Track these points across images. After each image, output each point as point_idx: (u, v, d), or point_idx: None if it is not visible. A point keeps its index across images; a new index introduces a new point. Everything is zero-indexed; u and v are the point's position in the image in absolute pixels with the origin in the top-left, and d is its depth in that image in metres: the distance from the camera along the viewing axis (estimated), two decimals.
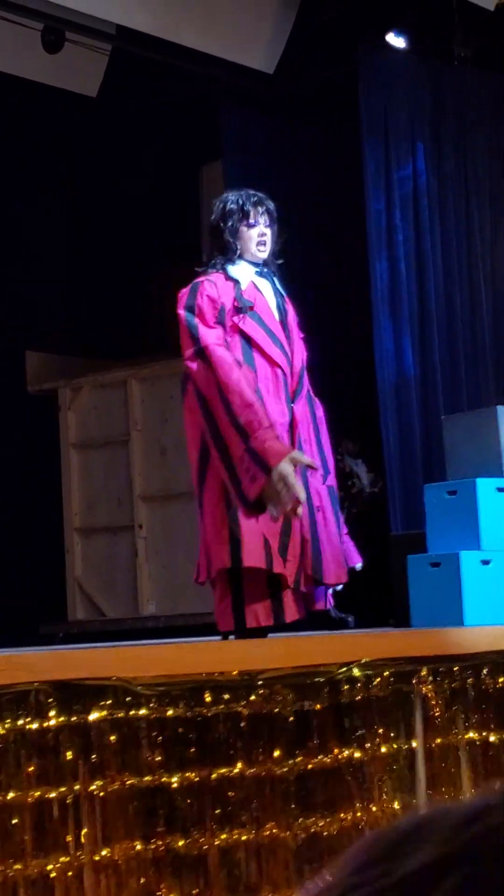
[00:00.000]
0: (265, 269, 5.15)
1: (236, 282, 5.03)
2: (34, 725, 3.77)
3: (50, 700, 3.79)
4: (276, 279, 5.19)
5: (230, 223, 5.05)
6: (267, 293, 5.11)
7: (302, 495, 4.67)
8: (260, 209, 5.08)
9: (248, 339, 4.97)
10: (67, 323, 9.97)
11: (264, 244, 5.09)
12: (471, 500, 5.82)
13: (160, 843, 3.91)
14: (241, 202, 5.06)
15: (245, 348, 4.98)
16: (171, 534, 9.27)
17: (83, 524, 9.67)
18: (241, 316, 4.97)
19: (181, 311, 4.97)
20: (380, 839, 0.87)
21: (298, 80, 8.86)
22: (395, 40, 8.30)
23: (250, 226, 5.06)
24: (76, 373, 9.80)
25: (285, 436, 4.96)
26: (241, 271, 5.08)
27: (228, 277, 5.04)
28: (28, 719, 3.76)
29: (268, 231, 5.10)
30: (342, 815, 4.23)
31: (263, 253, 5.10)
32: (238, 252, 5.07)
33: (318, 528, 5.01)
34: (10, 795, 3.70)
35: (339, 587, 5.16)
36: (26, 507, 9.63)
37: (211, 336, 4.89)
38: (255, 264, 5.11)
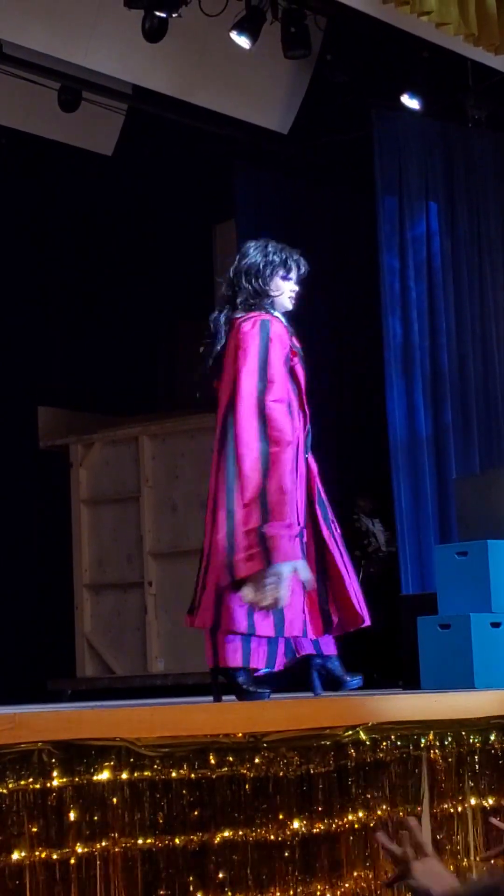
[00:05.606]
0: None
1: (287, 325, 5.13)
2: (37, 785, 3.73)
3: (53, 760, 3.75)
4: None
5: (269, 271, 5.14)
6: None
7: (283, 603, 4.74)
8: (300, 269, 5.19)
9: (298, 383, 5.02)
10: (79, 379, 9.98)
11: (293, 299, 5.20)
12: (482, 562, 5.79)
13: None
14: (284, 256, 5.16)
15: (296, 393, 5.02)
16: (180, 591, 9.20)
17: (93, 580, 9.64)
18: (296, 359, 5.04)
19: (255, 340, 4.97)
20: None
21: (313, 141, 8.92)
22: (409, 102, 8.34)
23: (287, 279, 5.17)
24: (88, 429, 9.81)
25: (303, 491, 4.99)
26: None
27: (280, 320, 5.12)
28: (31, 779, 3.72)
29: (296, 288, 5.21)
30: (346, 880, 4.17)
31: (290, 305, 5.20)
32: (271, 299, 5.14)
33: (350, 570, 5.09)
34: (13, 856, 3.66)
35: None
36: (36, 563, 9.61)
37: (279, 386, 4.92)
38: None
